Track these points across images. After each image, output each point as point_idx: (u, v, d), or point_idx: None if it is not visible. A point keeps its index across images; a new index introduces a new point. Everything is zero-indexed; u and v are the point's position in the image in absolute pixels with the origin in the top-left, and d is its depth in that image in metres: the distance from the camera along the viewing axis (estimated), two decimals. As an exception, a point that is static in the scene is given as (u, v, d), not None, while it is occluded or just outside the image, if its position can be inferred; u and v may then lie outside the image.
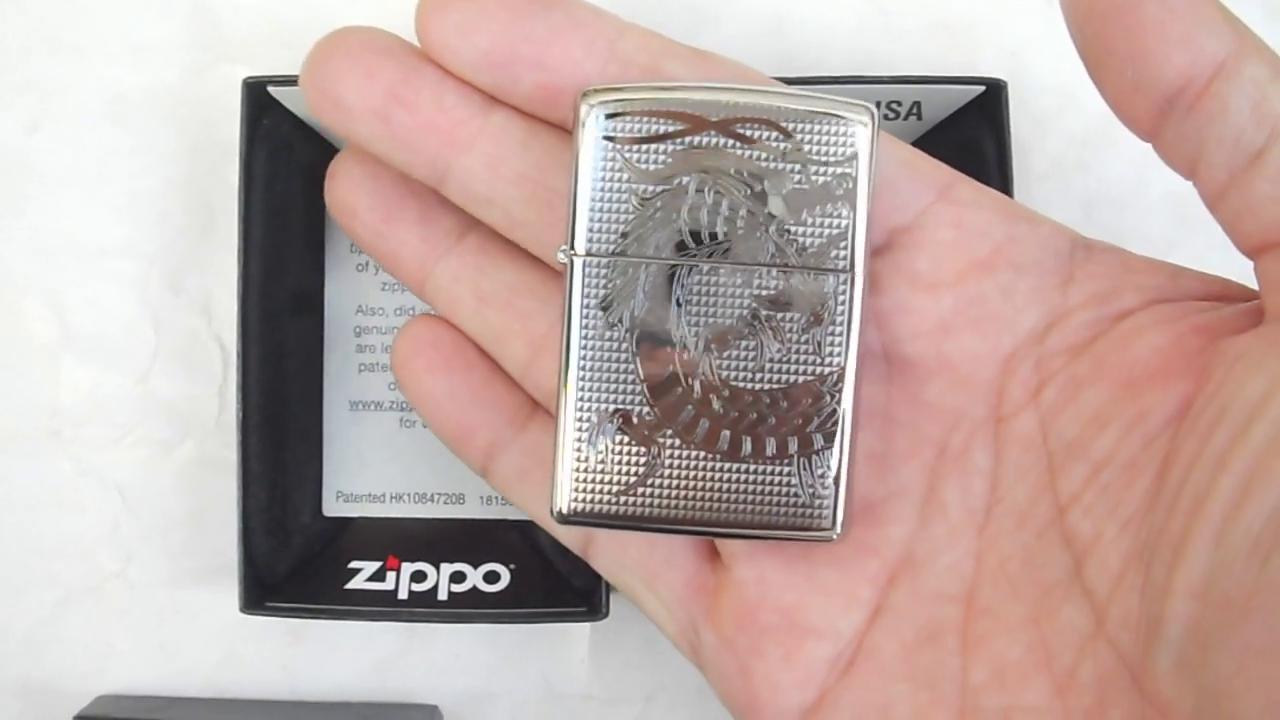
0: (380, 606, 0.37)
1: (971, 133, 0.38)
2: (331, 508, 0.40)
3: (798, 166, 0.25)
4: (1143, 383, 0.24)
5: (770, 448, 0.25)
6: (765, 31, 0.42)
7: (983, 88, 0.38)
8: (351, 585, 0.37)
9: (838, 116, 0.25)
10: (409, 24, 0.42)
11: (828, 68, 0.42)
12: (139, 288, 0.41)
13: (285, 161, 0.39)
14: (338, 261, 0.41)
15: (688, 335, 0.25)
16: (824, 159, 0.25)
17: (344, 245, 0.41)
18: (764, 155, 0.25)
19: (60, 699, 0.41)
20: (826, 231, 0.25)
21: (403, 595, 0.37)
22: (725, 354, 0.25)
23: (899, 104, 0.38)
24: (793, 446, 0.25)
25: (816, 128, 0.25)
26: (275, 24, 0.42)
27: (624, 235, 0.25)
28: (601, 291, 0.25)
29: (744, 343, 0.25)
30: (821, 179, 0.25)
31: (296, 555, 0.39)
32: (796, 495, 0.25)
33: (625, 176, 0.25)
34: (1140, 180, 0.42)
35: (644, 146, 0.25)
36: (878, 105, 0.38)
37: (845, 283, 0.25)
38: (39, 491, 0.41)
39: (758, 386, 0.25)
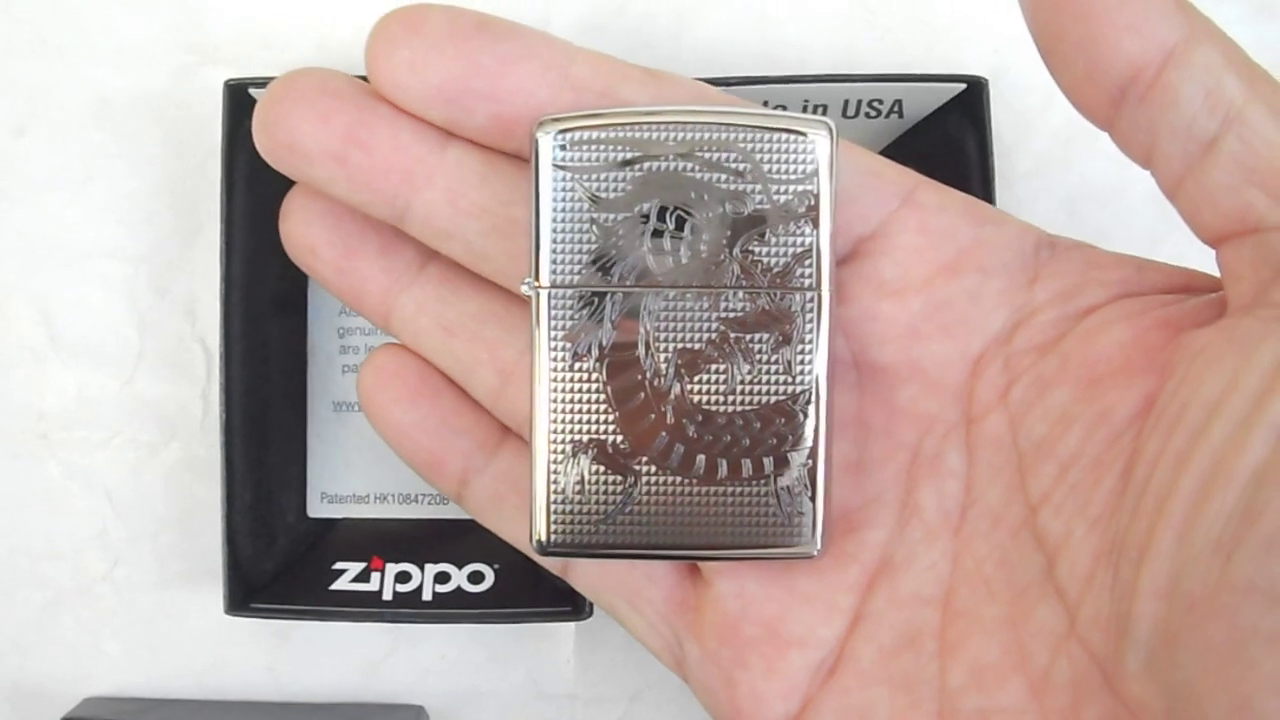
0: (365, 607, 0.37)
1: (953, 130, 0.38)
2: (316, 509, 0.40)
3: (758, 187, 0.24)
4: (1106, 380, 0.24)
5: (746, 469, 0.25)
6: (747, 29, 0.42)
7: (964, 85, 0.37)
8: (336, 586, 0.38)
9: (796, 133, 0.24)
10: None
11: (810, 65, 0.42)
12: (124, 290, 0.41)
13: (267, 163, 0.39)
14: (322, 263, 0.41)
15: (658, 362, 0.25)
16: (784, 177, 0.24)
17: (328, 246, 0.41)
18: (724, 177, 0.24)
19: (48, 701, 0.41)
20: (791, 250, 0.25)
21: (387, 596, 0.37)
22: (696, 378, 0.25)
23: (880, 102, 0.38)
24: (769, 466, 0.25)
25: (775, 146, 0.24)
26: (260, 26, 0.42)
27: (587, 265, 0.25)
28: (568, 322, 0.25)
29: (714, 366, 0.25)
30: (783, 198, 0.24)
31: (281, 557, 0.39)
32: (775, 514, 0.25)
33: (585, 206, 0.25)
34: (1123, 176, 0.42)
35: (602, 175, 0.25)
36: (859, 104, 0.38)
37: (812, 300, 0.25)
38: (26, 494, 0.41)
39: (730, 409, 0.25)
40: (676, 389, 0.25)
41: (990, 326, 0.26)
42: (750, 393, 0.25)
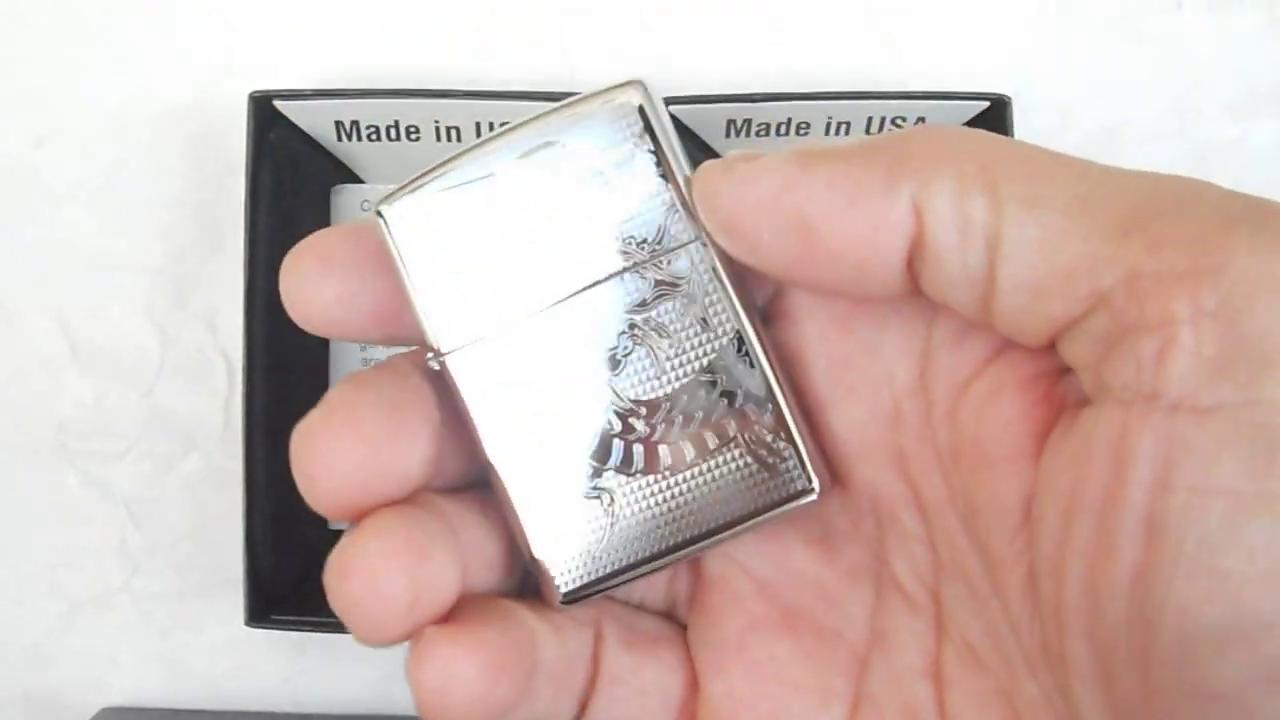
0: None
1: (975, 148, 0.38)
2: (336, 521, 0.40)
3: (597, 170, 0.24)
4: (999, 466, 0.22)
5: (711, 440, 0.25)
6: (766, 47, 0.42)
7: (987, 103, 0.38)
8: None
9: (606, 104, 0.24)
10: (410, 34, 0.42)
11: (827, 83, 0.42)
12: (144, 301, 0.42)
13: (291, 175, 0.39)
14: (343, 275, 0.41)
15: (581, 373, 0.24)
16: (617, 149, 0.24)
17: (349, 259, 0.41)
18: (565, 172, 0.24)
19: (64, 711, 0.41)
20: (655, 212, 0.24)
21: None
22: (623, 374, 0.24)
23: (903, 119, 0.38)
24: (731, 428, 0.25)
25: (594, 127, 0.24)
26: (280, 39, 0.42)
27: (478, 314, 0.24)
28: (483, 377, 0.24)
29: (634, 355, 0.24)
30: (624, 168, 0.24)
31: (301, 568, 0.39)
32: (759, 472, 0.25)
33: (449, 259, 0.24)
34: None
35: (454, 223, 0.24)
36: (882, 121, 0.39)
37: (697, 250, 0.24)
38: (45, 504, 0.41)
39: (669, 389, 0.24)
40: (609, 393, 0.24)
41: (897, 378, 0.24)
42: (680, 365, 0.24)
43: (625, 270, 0.24)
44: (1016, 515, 0.22)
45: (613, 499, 0.25)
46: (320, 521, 0.40)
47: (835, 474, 0.25)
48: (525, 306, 0.24)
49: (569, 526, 0.25)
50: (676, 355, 0.24)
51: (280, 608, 0.37)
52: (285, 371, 0.39)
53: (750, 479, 0.25)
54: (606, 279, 0.24)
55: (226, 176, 0.41)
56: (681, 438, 0.25)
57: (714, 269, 0.24)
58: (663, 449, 0.25)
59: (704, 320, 0.24)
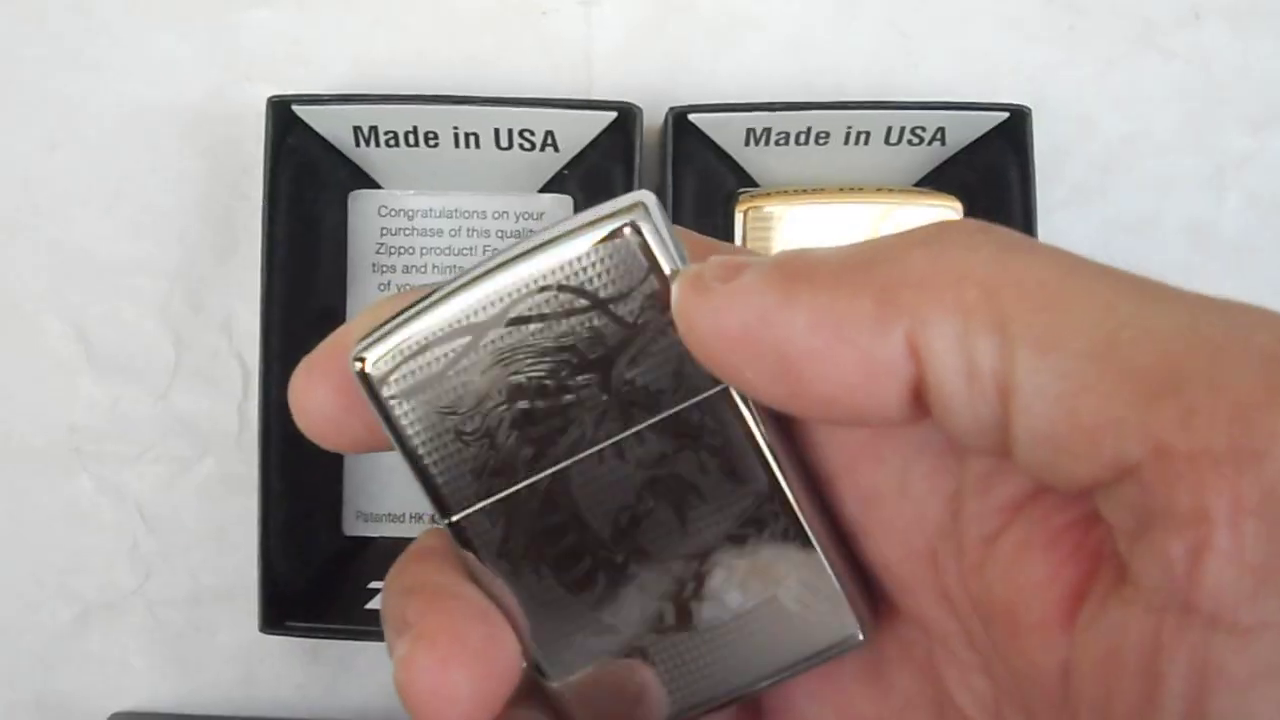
0: (399, 626, 0.37)
1: (995, 159, 0.38)
2: (351, 527, 0.40)
3: (602, 313, 0.21)
4: (1031, 634, 0.20)
5: (747, 592, 0.22)
6: (785, 53, 0.42)
7: (1007, 114, 0.38)
8: (371, 605, 0.37)
9: (603, 236, 0.20)
10: (429, 40, 0.42)
11: (846, 91, 0.42)
12: (159, 305, 0.41)
13: (309, 180, 0.39)
14: (360, 279, 0.41)
15: (602, 537, 0.22)
16: (618, 289, 0.21)
17: (366, 264, 0.41)
18: (560, 320, 0.21)
19: (75, 716, 0.41)
20: (669, 360, 0.21)
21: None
22: (646, 533, 0.22)
23: (923, 129, 0.38)
24: (767, 579, 0.22)
25: (595, 264, 0.20)
26: (295, 43, 0.42)
27: (480, 477, 0.22)
28: (497, 539, 0.22)
29: (659, 512, 0.22)
30: (629, 308, 0.21)
31: (316, 575, 0.38)
32: (800, 621, 0.23)
33: (443, 422, 0.21)
34: (1159, 207, 0.42)
35: (445, 374, 0.21)
36: (901, 130, 0.39)
37: (721, 398, 0.21)
38: (57, 507, 0.41)
39: (698, 545, 0.22)
40: (634, 553, 0.22)
41: (929, 518, 0.22)
42: (709, 520, 0.22)
43: (642, 425, 0.21)
44: (1055, 684, 0.19)
45: (651, 656, 0.23)
46: (335, 528, 0.40)
47: (881, 602, 0.23)
48: (535, 465, 0.22)
49: (605, 690, 0.23)
50: (704, 509, 0.22)
51: (294, 614, 0.37)
52: (301, 377, 0.38)
53: (791, 629, 0.23)
54: (623, 435, 0.21)
55: (243, 180, 0.41)
56: (715, 592, 0.22)
57: (741, 415, 0.21)
58: (695, 605, 0.23)
59: (731, 470, 0.22)
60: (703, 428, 0.21)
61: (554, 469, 0.21)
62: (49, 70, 0.42)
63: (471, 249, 0.41)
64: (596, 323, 0.21)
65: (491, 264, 0.21)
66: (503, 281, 0.20)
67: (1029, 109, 0.37)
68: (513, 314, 0.21)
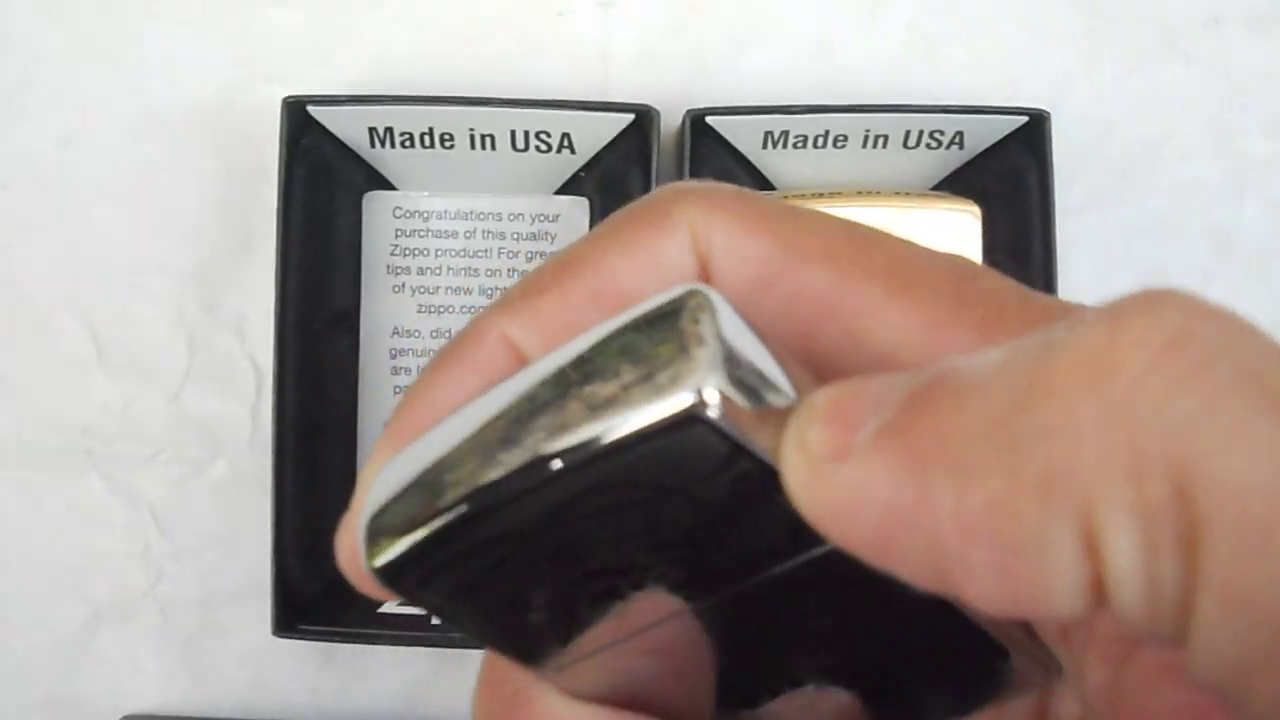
0: (412, 631, 0.37)
1: (1014, 163, 0.38)
2: (364, 530, 0.40)
3: (674, 494, 0.15)
4: None
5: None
6: (804, 55, 0.42)
7: (1026, 118, 0.38)
8: (384, 609, 0.37)
9: (655, 429, 0.14)
10: (445, 40, 0.42)
11: (866, 93, 0.41)
12: (172, 305, 0.41)
13: (324, 181, 0.39)
14: (374, 282, 0.40)
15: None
16: (687, 463, 0.15)
17: (381, 266, 0.41)
18: (622, 495, 0.15)
19: (87, 718, 0.41)
20: (773, 531, 0.15)
21: (435, 620, 0.37)
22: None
23: (941, 133, 0.38)
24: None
25: (656, 431, 0.14)
26: (312, 43, 0.42)
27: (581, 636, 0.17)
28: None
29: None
30: (707, 482, 0.15)
31: (329, 578, 0.38)
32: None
33: (484, 616, 0.17)
34: (1179, 212, 0.42)
35: (483, 575, 0.16)
36: (920, 134, 0.38)
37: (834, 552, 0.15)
38: (69, 508, 0.41)
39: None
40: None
41: None
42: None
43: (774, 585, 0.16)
44: None
45: None
46: (348, 530, 0.40)
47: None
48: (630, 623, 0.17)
49: None
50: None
51: (307, 617, 0.37)
52: (315, 379, 0.38)
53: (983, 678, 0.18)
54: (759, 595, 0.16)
55: (257, 181, 0.41)
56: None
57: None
58: None
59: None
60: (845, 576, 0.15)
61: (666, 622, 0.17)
62: (63, 67, 0.42)
63: (487, 251, 0.41)
64: (672, 500, 0.15)
65: (512, 431, 0.15)
66: (534, 443, 0.15)
67: (1048, 113, 0.37)
68: (562, 491, 0.15)
